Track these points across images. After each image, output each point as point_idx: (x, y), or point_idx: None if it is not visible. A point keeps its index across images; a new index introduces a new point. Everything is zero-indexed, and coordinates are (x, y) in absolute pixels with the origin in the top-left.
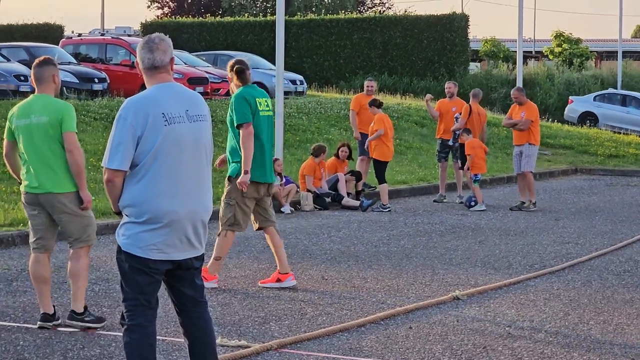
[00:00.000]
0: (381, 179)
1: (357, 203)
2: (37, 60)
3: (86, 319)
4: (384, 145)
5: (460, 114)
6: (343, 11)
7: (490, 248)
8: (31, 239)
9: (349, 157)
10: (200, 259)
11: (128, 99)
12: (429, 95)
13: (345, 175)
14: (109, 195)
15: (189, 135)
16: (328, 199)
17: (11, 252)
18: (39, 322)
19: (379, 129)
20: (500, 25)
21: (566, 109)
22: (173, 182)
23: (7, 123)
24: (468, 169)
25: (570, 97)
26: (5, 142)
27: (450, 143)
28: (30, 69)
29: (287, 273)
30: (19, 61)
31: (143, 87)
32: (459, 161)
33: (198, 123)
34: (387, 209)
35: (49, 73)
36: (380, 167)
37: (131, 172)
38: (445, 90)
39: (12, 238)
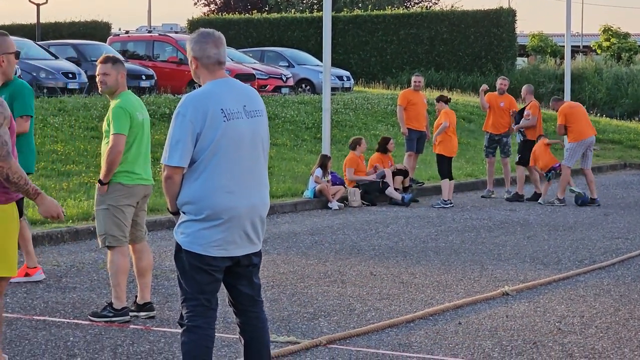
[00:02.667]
0: (444, 174)
1: (399, 196)
2: None
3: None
4: (448, 140)
5: (515, 110)
6: (390, 7)
7: (539, 243)
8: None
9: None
10: (259, 255)
11: (186, 95)
12: (484, 86)
13: (391, 170)
14: (166, 192)
15: (247, 130)
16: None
17: (60, 249)
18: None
19: (444, 122)
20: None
21: None
22: (232, 178)
23: (128, 118)
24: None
25: None
26: (123, 137)
27: (504, 138)
28: (79, 66)
29: (35, 267)
30: (67, 59)
31: (191, 83)
32: (517, 157)
33: (255, 118)
34: (449, 205)
35: None
36: (444, 162)
37: (190, 169)
38: (498, 85)
39: (62, 234)
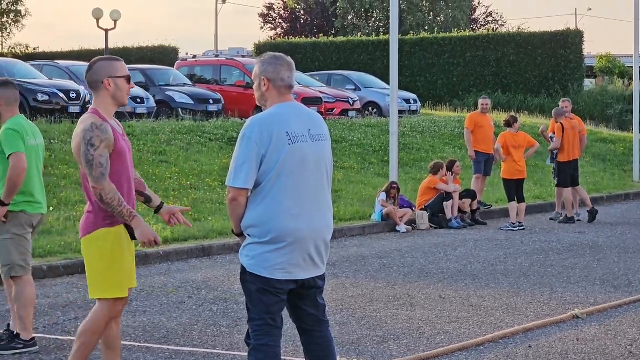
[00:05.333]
0: (510, 197)
1: (450, 216)
2: None
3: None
4: (511, 162)
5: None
6: (456, 29)
7: (609, 266)
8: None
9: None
10: (323, 278)
11: (252, 117)
12: (542, 126)
13: (458, 193)
14: (231, 215)
15: (311, 154)
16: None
17: None
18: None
19: (496, 144)
20: (615, 40)
21: None
22: (296, 201)
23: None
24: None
25: None
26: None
27: (548, 163)
28: (147, 91)
29: None
30: (135, 83)
31: (257, 108)
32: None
33: (320, 142)
34: (517, 227)
35: None
36: (509, 185)
37: (254, 191)
38: (560, 106)
39: None
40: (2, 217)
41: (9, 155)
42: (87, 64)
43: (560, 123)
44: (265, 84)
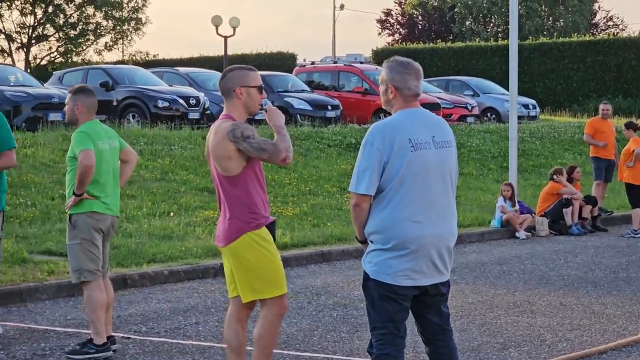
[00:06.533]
0: (635, 203)
1: (570, 222)
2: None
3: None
4: (638, 168)
5: None
6: (575, 34)
7: None
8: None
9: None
10: (447, 284)
11: (374, 124)
12: None
13: (579, 200)
14: (354, 221)
15: (435, 161)
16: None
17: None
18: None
19: (636, 148)
20: None
21: None
22: (419, 208)
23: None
24: None
25: None
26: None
27: None
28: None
29: None
30: None
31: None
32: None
33: (444, 149)
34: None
35: None
36: (634, 191)
37: (377, 198)
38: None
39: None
40: (68, 206)
41: (78, 153)
42: (206, 71)
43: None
44: (392, 92)
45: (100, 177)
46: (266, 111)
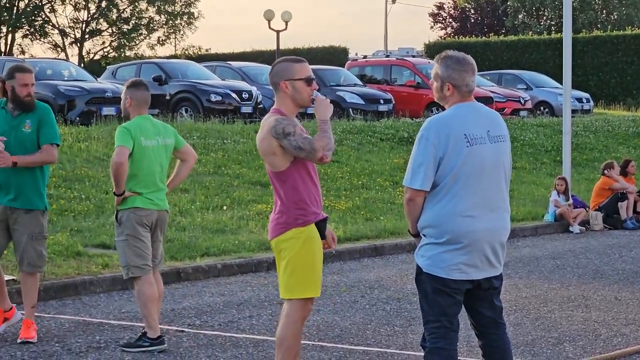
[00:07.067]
0: None
1: (624, 217)
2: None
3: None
4: None
5: None
6: (629, 27)
7: None
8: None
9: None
10: (500, 278)
11: (429, 118)
12: None
13: (634, 194)
14: (408, 215)
15: (490, 156)
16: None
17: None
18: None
19: None
20: None
21: None
22: (473, 203)
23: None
24: None
25: None
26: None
27: None
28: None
29: (10, 309)
30: None
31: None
32: None
33: (499, 144)
34: None
35: None
36: None
37: (431, 192)
38: None
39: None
40: (117, 205)
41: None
42: (259, 65)
43: None
44: (449, 89)
45: (141, 173)
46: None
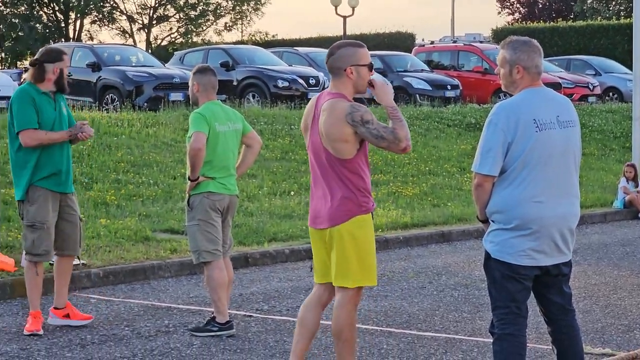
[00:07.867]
0: None
1: None
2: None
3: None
4: None
5: None
6: None
7: None
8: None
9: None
10: (569, 264)
11: (498, 103)
12: None
13: None
14: (476, 200)
15: (559, 141)
16: None
17: None
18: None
19: None
20: None
21: None
22: (542, 188)
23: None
24: None
25: None
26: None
27: None
28: (385, 77)
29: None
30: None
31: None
32: None
33: (568, 129)
34: None
35: None
36: None
37: (500, 177)
38: None
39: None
40: (187, 191)
41: (190, 135)
42: (326, 50)
43: None
44: (519, 72)
45: (215, 158)
46: (372, 86)
